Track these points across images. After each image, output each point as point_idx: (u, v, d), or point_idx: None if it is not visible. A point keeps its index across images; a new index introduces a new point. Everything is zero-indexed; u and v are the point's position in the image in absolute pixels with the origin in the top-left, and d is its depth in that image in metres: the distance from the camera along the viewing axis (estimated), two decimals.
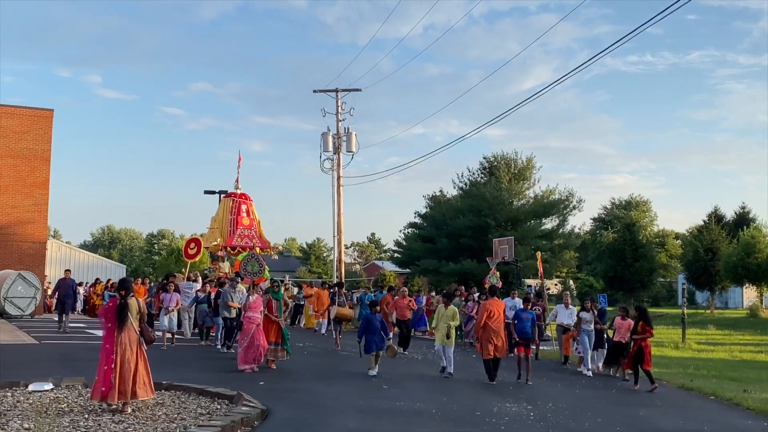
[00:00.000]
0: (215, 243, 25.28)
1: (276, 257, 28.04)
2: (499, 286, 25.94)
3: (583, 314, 17.19)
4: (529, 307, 15.78)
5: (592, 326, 17.02)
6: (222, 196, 27.46)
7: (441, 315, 15.44)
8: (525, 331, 14.92)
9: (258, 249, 24.45)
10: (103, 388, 9.50)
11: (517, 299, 19.75)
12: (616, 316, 16.67)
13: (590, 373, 16.51)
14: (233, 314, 17.49)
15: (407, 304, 21.25)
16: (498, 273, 28.54)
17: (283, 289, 18.48)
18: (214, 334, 19.66)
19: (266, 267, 18.41)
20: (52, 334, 21.23)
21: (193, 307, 20.39)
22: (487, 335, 14.38)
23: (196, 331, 20.70)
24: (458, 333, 20.61)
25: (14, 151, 31.16)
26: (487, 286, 23.18)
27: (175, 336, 19.23)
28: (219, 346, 18.54)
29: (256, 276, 17.58)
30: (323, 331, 24.95)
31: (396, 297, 22.30)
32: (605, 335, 17.43)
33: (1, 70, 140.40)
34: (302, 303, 28.39)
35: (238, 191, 26.17)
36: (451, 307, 15.62)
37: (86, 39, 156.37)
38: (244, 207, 25.72)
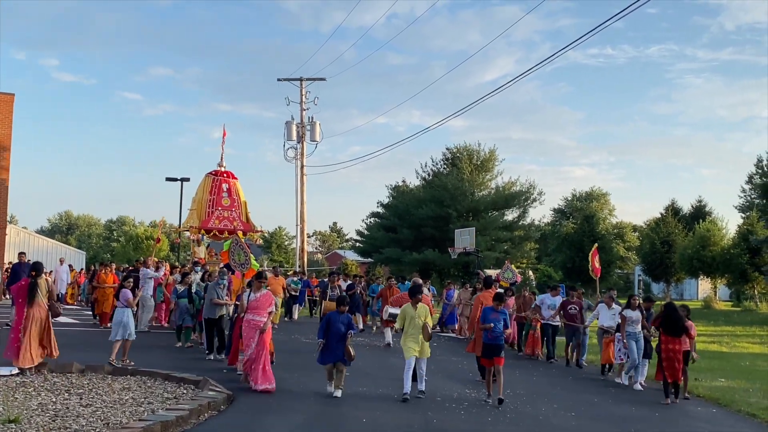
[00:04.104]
0: (190, 226, 23.14)
1: (260, 242, 25.70)
2: (518, 280, 24.38)
3: (628, 312, 13.78)
4: (500, 306, 11.75)
5: (640, 327, 13.74)
6: (204, 176, 23.96)
7: (410, 317, 11.47)
8: (495, 337, 11.50)
9: (240, 233, 21.82)
10: (9, 353, 11.40)
11: (558, 297, 17.48)
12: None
13: (639, 387, 13.63)
14: (220, 313, 14.61)
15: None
16: (514, 267, 25.67)
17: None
18: (195, 337, 16.75)
19: (252, 256, 15.77)
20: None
21: (150, 296, 19.16)
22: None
23: (154, 324, 19.83)
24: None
25: None
26: (505, 284, 20.65)
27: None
28: (207, 353, 14.81)
29: (244, 268, 14.85)
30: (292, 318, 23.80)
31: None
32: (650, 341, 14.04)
33: None
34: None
35: (222, 168, 23.62)
36: (421, 305, 11.56)
37: (43, 20, 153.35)
38: (225, 186, 23.26)
